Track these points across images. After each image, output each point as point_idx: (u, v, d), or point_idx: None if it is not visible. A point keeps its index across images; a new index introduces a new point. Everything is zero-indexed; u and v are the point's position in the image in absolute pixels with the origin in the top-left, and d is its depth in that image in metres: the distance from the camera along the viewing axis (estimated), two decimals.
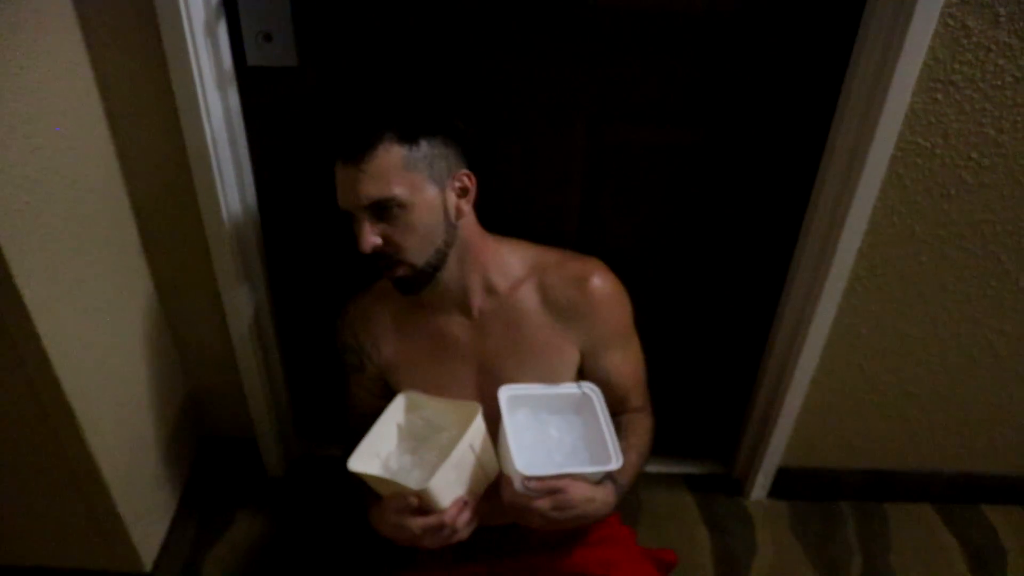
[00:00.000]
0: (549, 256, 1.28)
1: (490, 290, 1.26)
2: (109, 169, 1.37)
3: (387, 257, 1.17)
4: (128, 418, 1.49)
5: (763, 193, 1.46)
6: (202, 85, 1.27)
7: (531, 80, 1.34)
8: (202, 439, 1.84)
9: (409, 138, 1.12)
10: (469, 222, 1.23)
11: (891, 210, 1.38)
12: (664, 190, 1.46)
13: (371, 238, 1.14)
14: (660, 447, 1.39)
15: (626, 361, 1.33)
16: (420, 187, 1.13)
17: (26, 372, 1.24)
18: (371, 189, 1.11)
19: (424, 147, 1.13)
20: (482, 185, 1.39)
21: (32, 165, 1.15)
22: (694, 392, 1.78)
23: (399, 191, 1.11)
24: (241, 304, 1.55)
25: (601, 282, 1.25)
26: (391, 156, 1.11)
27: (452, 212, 1.18)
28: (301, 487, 1.86)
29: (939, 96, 1.25)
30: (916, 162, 1.32)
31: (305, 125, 1.40)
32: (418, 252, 1.17)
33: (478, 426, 1.16)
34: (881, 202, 1.37)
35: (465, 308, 1.27)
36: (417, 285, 1.21)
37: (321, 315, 1.50)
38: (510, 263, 1.27)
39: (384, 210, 1.13)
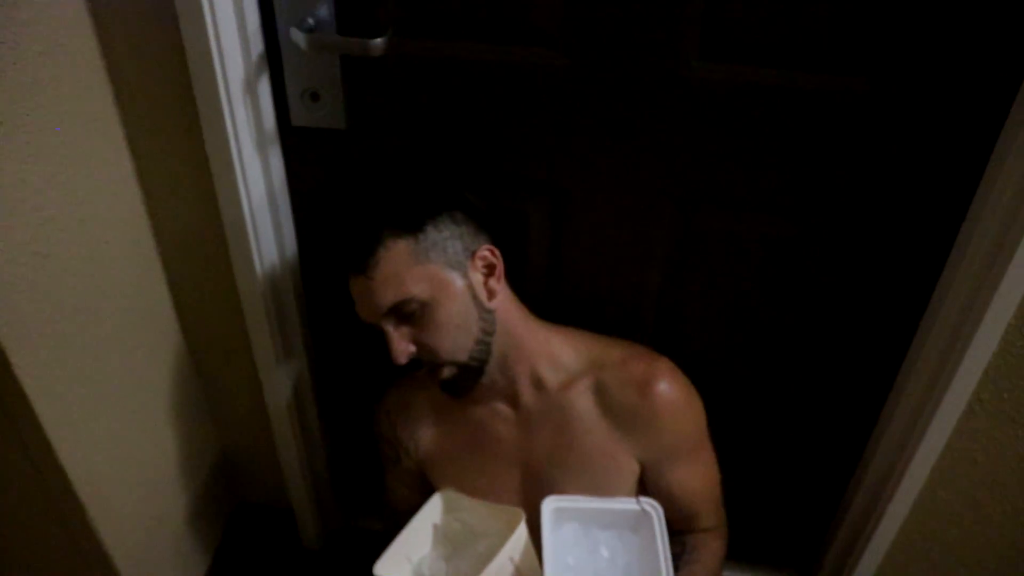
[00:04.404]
0: (611, 352, 1.13)
1: (539, 385, 1.12)
2: (139, 231, 1.26)
3: (427, 362, 1.06)
4: (148, 495, 1.38)
5: (871, 294, 1.26)
6: (238, 146, 1.15)
7: (614, 155, 1.16)
8: (234, 508, 1.73)
9: (412, 228, 1.01)
10: (507, 306, 1.09)
11: None
12: (755, 284, 1.27)
13: (402, 346, 1.03)
14: (732, 553, 1.25)
15: (694, 476, 1.17)
16: (438, 278, 1.01)
17: (29, 455, 1.13)
18: (386, 296, 1.01)
19: (432, 233, 1.01)
20: (550, 269, 1.25)
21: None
22: (775, 499, 1.59)
23: (416, 289, 1.00)
24: (279, 377, 1.44)
25: (667, 387, 1.09)
26: (397, 254, 1.00)
27: (483, 295, 1.05)
28: (340, 561, 1.73)
29: None
30: None
31: (353, 192, 1.26)
32: (456, 348, 1.05)
33: (520, 536, 1.04)
34: (1017, 319, 1.15)
35: (512, 402, 1.14)
36: (465, 385, 1.10)
37: (365, 384, 1.39)
38: (563, 356, 1.13)
39: (407, 314, 1.01)
